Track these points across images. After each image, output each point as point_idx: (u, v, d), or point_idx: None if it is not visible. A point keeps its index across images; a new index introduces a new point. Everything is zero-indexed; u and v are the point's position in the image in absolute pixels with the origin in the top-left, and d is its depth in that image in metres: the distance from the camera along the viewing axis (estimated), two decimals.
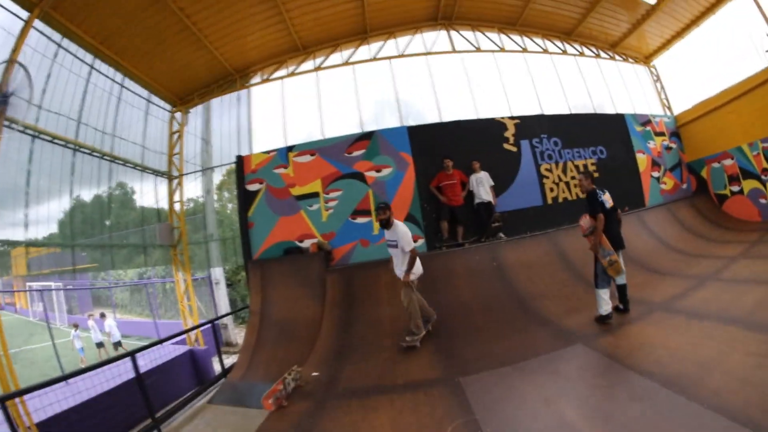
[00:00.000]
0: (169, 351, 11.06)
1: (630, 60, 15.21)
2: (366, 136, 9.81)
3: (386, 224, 6.08)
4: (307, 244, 9.33)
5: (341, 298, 7.83)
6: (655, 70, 15.55)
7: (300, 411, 4.80)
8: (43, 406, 6.84)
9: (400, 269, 6.12)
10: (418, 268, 6.19)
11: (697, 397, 3.46)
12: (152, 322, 16.93)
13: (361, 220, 9.40)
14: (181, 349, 11.71)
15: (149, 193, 13.06)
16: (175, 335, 8.20)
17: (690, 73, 14.49)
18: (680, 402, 3.47)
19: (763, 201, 11.63)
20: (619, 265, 6.03)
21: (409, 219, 9.37)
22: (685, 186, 13.44)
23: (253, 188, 9.68)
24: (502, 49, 12.90)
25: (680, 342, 4.83)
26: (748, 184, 11.98)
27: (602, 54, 14.56)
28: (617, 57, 14.91)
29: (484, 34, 12.89)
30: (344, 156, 9.63)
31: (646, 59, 15.47)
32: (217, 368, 9.65)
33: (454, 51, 12.45)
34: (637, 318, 5.96)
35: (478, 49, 12.62)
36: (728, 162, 12.49)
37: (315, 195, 9.50)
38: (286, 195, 9.54)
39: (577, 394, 4.16)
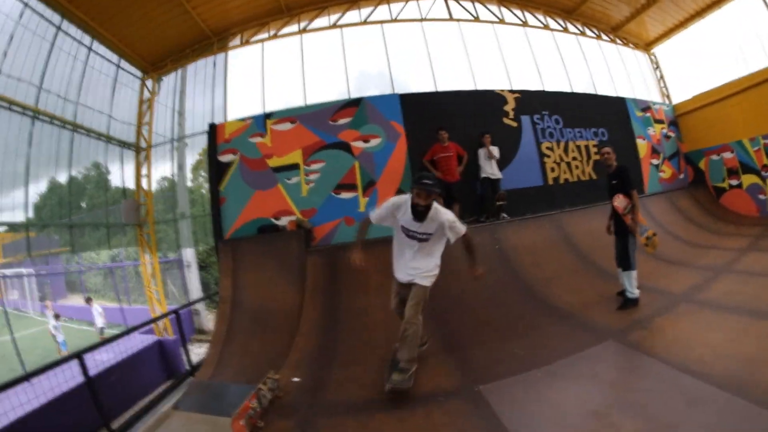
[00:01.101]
0: (135, 343, 9.72)
1: (630, 45, 14.74)
2: (353, 103, 8.84)
3: (424, 213, 4.03)
4: (284, 221, 8.31)
5: (324, 284, 6.85)
6: (655, 57, 15.16)
7: None
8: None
9: (415, 269, 4.29)
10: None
11: (757, 400, 3.17)
12: (125, 308, 15.62)
13: (345, 195, 8.42)
14: (148, 340, 10.35)
15: (115, 169, 12.11)
16: (138, 326, 7.42)
17: (691, 64, 14.17)
18: (741, 405, 3.15)
19: (762, 197, 11.53)
20: (657, 240, 5.97)
21: (399, 194, 8.09)
22: (682, 176, 13.22)
23: (225, 159, 8.63)
24: (501, 21, 12.17)
25: (720, 338, 4.52)
26: (748, 179, 11.84)
27: (603, 36, 14.04)
28: (618, 41, 14.41)
29: (483, 5, 12.14)
30: (328, 124, 8.65)
31: (646, 46, 15.06)
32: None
33: (451, 19, 11.62)
34: (663, 309, 5.60)
35: (476, 19, 11.83)
36: (728, 155, 12.36)
37: (295, 167, 8.47)
38: (262, 167, 8.51)
39: (628, 401, 3.49)
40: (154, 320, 10.26)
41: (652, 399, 3.44)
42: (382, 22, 11.25)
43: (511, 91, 10.19)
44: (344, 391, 4.42)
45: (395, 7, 11.42)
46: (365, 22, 11.18)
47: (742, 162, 12.01)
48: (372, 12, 11.23)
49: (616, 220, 6.05)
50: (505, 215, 8.57)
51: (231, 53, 11.63)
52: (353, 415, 3.87)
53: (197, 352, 8.75)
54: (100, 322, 13.38)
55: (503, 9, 12.39)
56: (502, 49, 12.16)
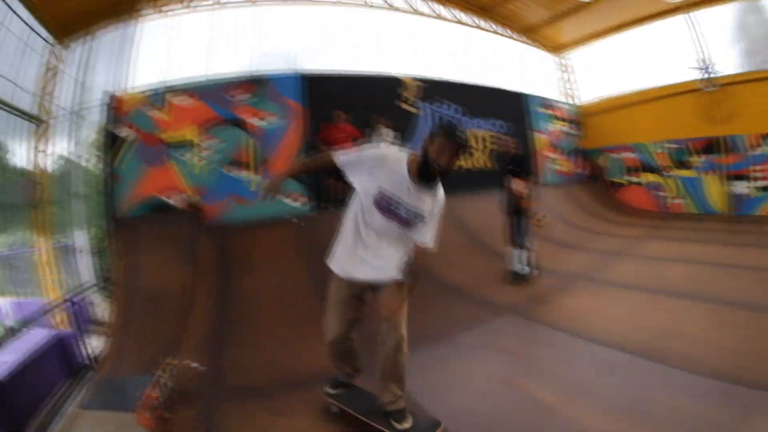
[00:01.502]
0: (33, 339, 9.00)
1: (542, 47, 15.67)
2: (255, 80, 8.72)
3: (437, 179, 2.68)
4: (176, 200, 7.87)
5: (214, 265, 6.62)
6: (566, 60, 16.17)
7: (188, 423, 3.54)
8: None
9: (384, 259, 2.81)
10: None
11: (672, 363, 3.57)
12: (22, 302, 14.60)
13: (237, 173, 8.23)
14: (45, 335, 9.55)
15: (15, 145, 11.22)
16: (30, 319, 7.11)
17: (602, 70, 15.29)
18: (658, 369, 3.50)
19: (661, 194, 13.17)
20: (546, 221, 6.61)
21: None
22: (580, 171, 14.43)
23: (122, 134, 7.89)
24: (415, 11, 12.57)
25: (623, 312, 5.02)
26: (648, 177, 13.47)
27: (516, 36, 14.83)
28: (530, 42, 15.28)
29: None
30: (227, 99, 8.40)
31: (558, 49, 16.00)
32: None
33: (366, 5, 11.84)
34: (561, 287, 6.12)
35: (390, 7, 12.13)
36: (629, 155, 13.93)
37: (189, 143, 8.08)
38: (157, 142, 7.97)
39: (538, 370, 3.75)
40: (47, 311, 9.52)
41: (563, 367, 3.61)
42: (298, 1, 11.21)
43: (415, 79, 10.50)
44: (245, 374, 4.26)
45: None
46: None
47: (644, 162, 13.47)
48: None
49: (510, 203, 6.40)
50: None
51: (142, 23, 10.84)
52: (258, 398, 3.75)
53: (96, 345, 8.32)
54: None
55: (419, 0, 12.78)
56: (412, 38, 12.58)
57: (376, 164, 2.69)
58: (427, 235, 2.76)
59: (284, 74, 9.15)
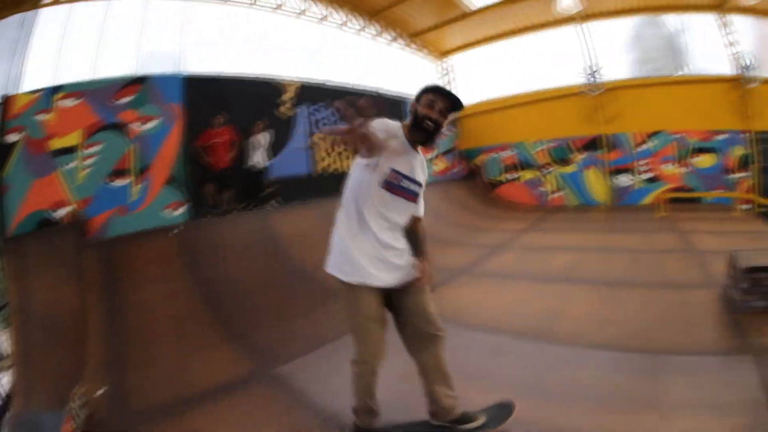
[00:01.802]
0: None
1: (425, 51, 17.20)
2: (138, 81, 8.65)
3: (435, 134, 2.59)
4: (61, 212, 7.57)
5: (102, 282, 6.44)
6: (447, 64, 17.98)
7: None
8: None
9: (405, 252, 2.72)
10: None
11: (563, 341, 4.22)
12: None
13: (119, 182, 8.05)
14: None
15: None
16: None
17: (484, 74, 17.32)
18: (550, 348, 4.10)
19: (541, 189, 15.45)
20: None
21: (171, 181, 8.60)
22: (456, 170, 16.24)
23: (11, 139, 7.60)
24: (302, 12, 13.27)
25: (508, 300, 5.71)
26: (527, 174, 15.74)
27: (400, 40, 16.15)
28: (413, 46, 16.69)
29: None
30: (111, 102, 8.21)
31: (442, 54, 17.69)
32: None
33: (254, 4, 12.33)
34: (444, 281, 6.75)
35: (278, 7, 12.74)
36: (507, 153, 16.07)
37: (74, 149, 7.81)
38: (43, 149, 7.57)
39: None
40: None
41: (457, 356, 3.58)
42: None
43: (293, 82, 11.22)
44: (151, 394, 4.34)
45: None
46: None
47: (522, 160, 15.65)
48: None
49: None
50: (274, 202, 9.51)
51: (42, 13, 10.19)
52: (164, 417, 3.87)
53: (4, 380, 7.51)
54: None
55: (310, 2, 13.28)
56: (297, 39, 13.41)
57: (386, 136, 2.40)
58: (421, 206, 2.77)
59: (166, 75, 9.30)
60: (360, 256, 2.54)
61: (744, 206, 12.74)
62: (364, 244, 2.55)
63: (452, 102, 2.53)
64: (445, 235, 9.66)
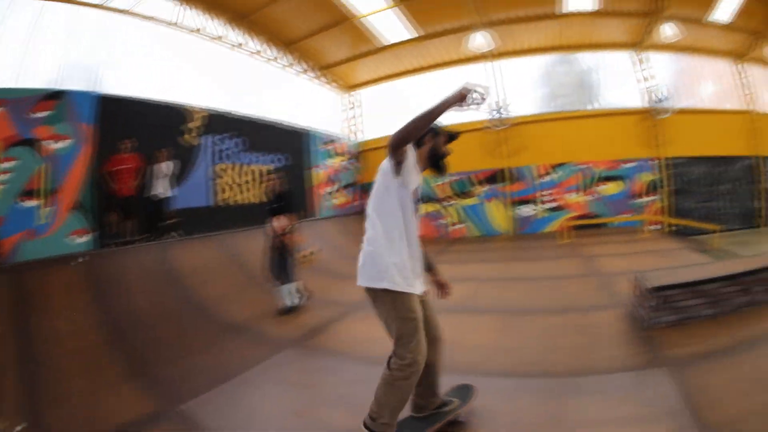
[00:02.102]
0: None
1: (334, 84, 17.90)
2: (55, 95, 8.21)
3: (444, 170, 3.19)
4: None
5: (13, 311, 5.99)
6: (354, 98, 18.73)
7: None
8: None
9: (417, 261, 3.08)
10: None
11: (456, 370, 3.93)
12: None
13: (29, 203, 7.57)
14: None
15: None
16: None
17: (389, 108, 17.86)
18: (449, 379, 3.64)
19: (442, 221, 16.26)
20: (315, 257, 7.32)
21: (78, 207, 8.20)
22: (357, 203, 16.71)
23: None
24: (218, 38, 13.17)
25: None
26: (428, 207, 16.21)
27: (311, 72, 16.59)
28: (323, 78, 17.28)
29: (213, 19, 12.97)
30: (28, 115, 7.77)
31: (350, 87, 18.47)
32: None
33: (177, 25, 12.15)
34: (339, 317, 6.81)
35: (197, 30, 12.66)
36: None
37: None
38: None
39: (331, 397, 4.15)
40: None
41: (355, 390, 3.80)
42: (98, 6, 10.69)
43: (200, 109, 11.09)
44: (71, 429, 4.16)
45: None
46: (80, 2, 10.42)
47: (424, 194, 14.95)
48: None
49: (273, 239, 7.16)
50: (175, 234, 9.42)
51: None
52: None
53: None
54: None
55: (229, 27, 13.52)
56: (212, 65, 13.49)
57: (412, 160, 2.89)
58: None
59: (83, 92, 8.82)
60: (409, 266, 2.89)
61: (653, 227, 14.58)
62: (408, 256, 2.90)
63: (454, 137, 3.11)
64: (344, 270, 9.59)
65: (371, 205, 2.97)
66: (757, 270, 5.24)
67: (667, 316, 4.85)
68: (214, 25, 13.07)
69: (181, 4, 12.09)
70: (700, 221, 13.80)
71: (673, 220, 14.58)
